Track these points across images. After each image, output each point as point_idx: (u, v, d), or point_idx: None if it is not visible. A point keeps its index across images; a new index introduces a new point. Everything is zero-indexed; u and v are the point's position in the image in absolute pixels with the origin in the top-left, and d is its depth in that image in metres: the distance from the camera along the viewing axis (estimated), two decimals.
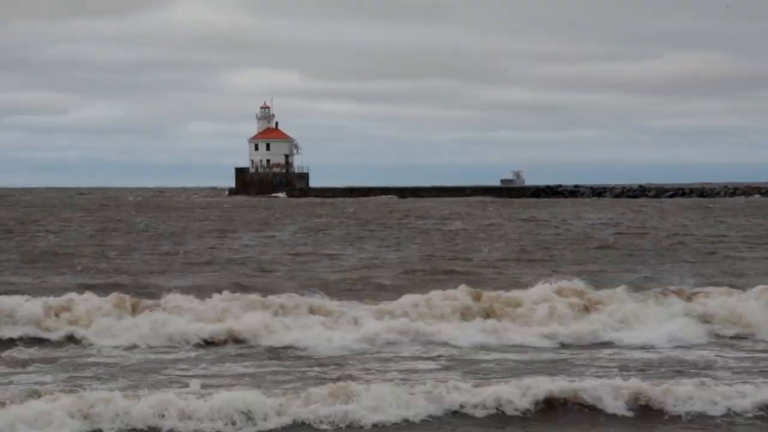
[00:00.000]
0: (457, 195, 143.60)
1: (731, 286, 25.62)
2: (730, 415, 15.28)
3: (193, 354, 20.05)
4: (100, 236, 53.62)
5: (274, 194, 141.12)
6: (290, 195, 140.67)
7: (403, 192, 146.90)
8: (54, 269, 34.63)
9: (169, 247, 45.42)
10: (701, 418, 15.22)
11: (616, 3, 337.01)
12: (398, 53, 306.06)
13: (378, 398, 14.79)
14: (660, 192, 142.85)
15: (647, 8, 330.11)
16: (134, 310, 22.15)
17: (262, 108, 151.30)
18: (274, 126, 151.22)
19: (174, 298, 22.86)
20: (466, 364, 19.01)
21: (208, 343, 20.79)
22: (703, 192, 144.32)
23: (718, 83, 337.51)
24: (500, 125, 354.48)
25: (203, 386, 15.69)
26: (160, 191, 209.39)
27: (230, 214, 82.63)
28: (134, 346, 20.51)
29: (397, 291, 26.10)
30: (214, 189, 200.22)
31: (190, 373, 17.97)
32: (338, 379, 17.00)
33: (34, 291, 26.46)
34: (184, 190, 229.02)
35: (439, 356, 19.86)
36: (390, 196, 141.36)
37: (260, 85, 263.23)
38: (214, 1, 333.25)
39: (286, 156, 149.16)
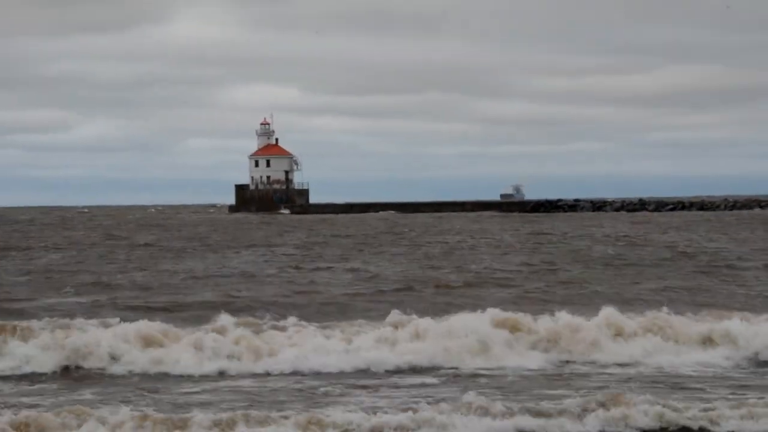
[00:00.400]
0: (457, 210, 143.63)
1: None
2: None
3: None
4: (108, 255, 53.32)
5: (280, 211, 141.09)
6: (293, 212, 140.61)
7: (403, 207, 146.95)
8: (55, 288, 34.34)
9: (176, 264, 45.18)
10: None
11: (614, 15, 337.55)
12: (397, 67, 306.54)
13: None
14: (660, 205, 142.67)
15: (646, 20, 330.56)
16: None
17: (262, 124, 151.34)
18: (274, 142, 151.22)
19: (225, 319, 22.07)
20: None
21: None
22: (703, 205, 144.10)
23: (717, 95, 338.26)
24: (499, 139, 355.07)
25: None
26: (160, 209, 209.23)
27: (234, 231, 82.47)
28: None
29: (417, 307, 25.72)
30: (213, 206, 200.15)
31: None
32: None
33: (48, 311, 26.33)
34: (184, 207, 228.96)
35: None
36: (390, 211, 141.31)
37: (259, 101, 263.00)
38: (213, 17, 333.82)
39: (286, 172, 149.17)
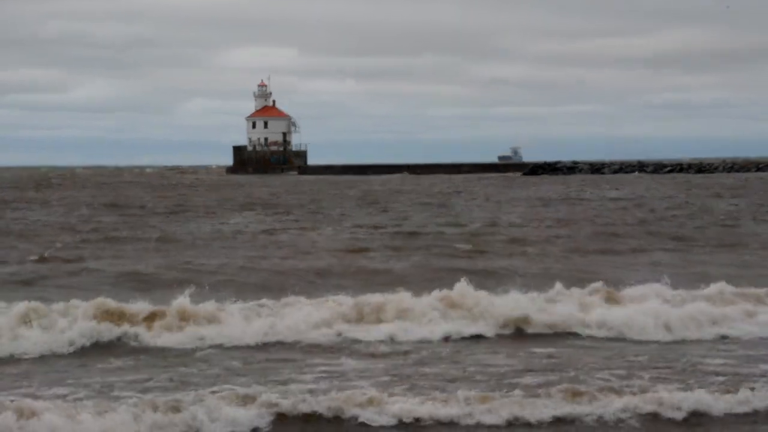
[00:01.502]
0: (454, 172, 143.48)
1: None
2: None
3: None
4: (123, 219, 52.91)
5: (290, 173, 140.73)
6: (297, 173, 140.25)
7: (400, 169, 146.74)
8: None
9: (197, 226, 44.81)
10: None
11: None
12: (395, 30, 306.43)
13: None
14: (658, 168, 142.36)
15: None
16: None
17: (259, 86, 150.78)
18: (271, 104, 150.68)
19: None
20: None
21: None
22: (701, 167, 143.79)
23: (716, 57, 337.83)
24: (497, 101, 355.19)
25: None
26: (157, 170, 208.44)
27: (242, 193, 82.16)
28: None
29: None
30: (210, 167, 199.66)
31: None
32: None
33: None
34: (179, 168, 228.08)
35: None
36: (388, 175, 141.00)
37: (258, 63, 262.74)
38: None
39: (284, 134, 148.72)
